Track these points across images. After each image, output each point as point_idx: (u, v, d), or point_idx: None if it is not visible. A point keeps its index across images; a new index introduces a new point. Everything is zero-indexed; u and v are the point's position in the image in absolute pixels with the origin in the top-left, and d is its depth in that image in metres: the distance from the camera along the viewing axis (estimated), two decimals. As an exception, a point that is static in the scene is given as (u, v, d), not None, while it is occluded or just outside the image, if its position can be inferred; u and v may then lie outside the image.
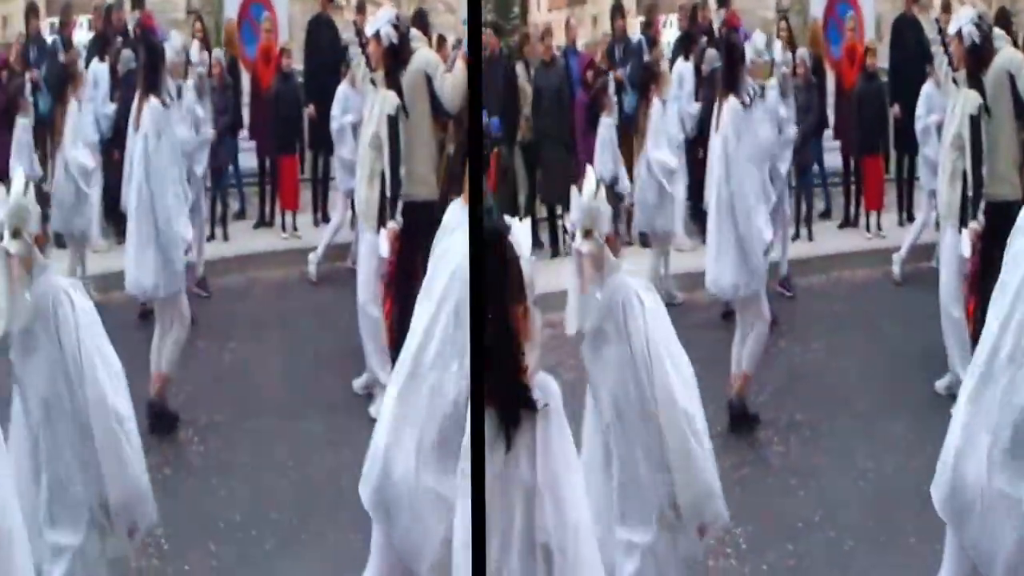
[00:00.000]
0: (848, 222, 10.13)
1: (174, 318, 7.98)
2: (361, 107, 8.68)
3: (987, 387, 5.45)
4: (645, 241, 9.31)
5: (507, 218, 5.04)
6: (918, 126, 9.26)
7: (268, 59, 9.88)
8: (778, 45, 9.24)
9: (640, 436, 5.47)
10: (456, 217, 5.71)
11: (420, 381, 5.48)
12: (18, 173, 5.67)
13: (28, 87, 8.96)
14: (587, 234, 5.52)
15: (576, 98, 9.77)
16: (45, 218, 5.78)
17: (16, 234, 5.38)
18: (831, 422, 8.11)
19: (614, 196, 9.06)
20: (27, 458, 5.52)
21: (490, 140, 9.34)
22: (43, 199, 5.84)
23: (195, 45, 9.18)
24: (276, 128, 9.86)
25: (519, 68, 9.80)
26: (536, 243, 9.71)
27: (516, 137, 9.78)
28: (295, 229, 9.95)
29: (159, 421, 7.81)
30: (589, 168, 5.97)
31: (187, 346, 8.03)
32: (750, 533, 6.85)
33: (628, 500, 5.55)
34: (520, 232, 4.92)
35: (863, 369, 8.56)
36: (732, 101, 8.09)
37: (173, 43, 8.63)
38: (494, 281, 4.88)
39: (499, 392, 4.78)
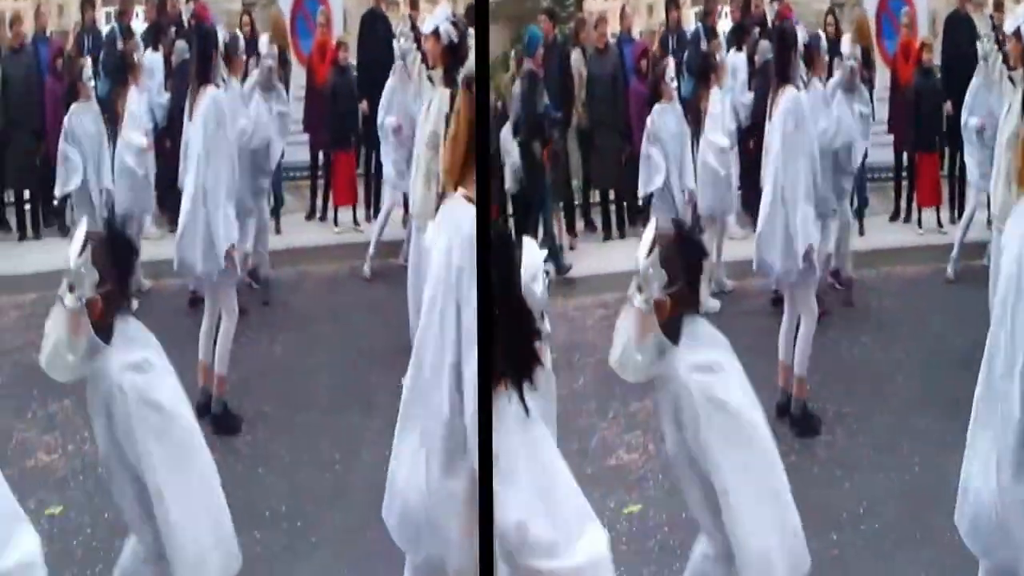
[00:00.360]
0: (898, 217, 10.11)
1: (223, 309, 7.97)
2: (406, 103, 8.73)
3: (989, 404, 5.48)
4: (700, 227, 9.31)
5: (525, 239, 5.04)
6: (963, 122, 9.20)
7: (323, 53, 9.87)
8: (846, 38, 9.17)
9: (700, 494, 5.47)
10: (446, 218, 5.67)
11: (418, 391, 5.53)
12: (81, 226, 5.49)
13: (88, 71, 9.02)
14: (640, 289, 5.50)
15: (630, 86, 9.78)
16: (124, 276, 5.59)
17: (71, 288, 5.32)
18: (878, 416, 8.13)
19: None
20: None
21: (548, 123, 9.37)
22: (124, 249, 5.67)
23: (264, 37, 9.21)
24: (332, 123, 9.84)
25: (574, 54, 9.83)
26: (589, 227, 9.91)
27: (571, 122, 9.81)
28: (356, 223, 9.96)
29: (206, 411, 7.84)
30: (651, 223, 5.76)
31: (236, 336, 8.05)
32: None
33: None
34: (530, 255, 4.92)
35: (911, 364, 8.58)
36: (789, 90, 8.02)
37: (239, 42, 8.67)
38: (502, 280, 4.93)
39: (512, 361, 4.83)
